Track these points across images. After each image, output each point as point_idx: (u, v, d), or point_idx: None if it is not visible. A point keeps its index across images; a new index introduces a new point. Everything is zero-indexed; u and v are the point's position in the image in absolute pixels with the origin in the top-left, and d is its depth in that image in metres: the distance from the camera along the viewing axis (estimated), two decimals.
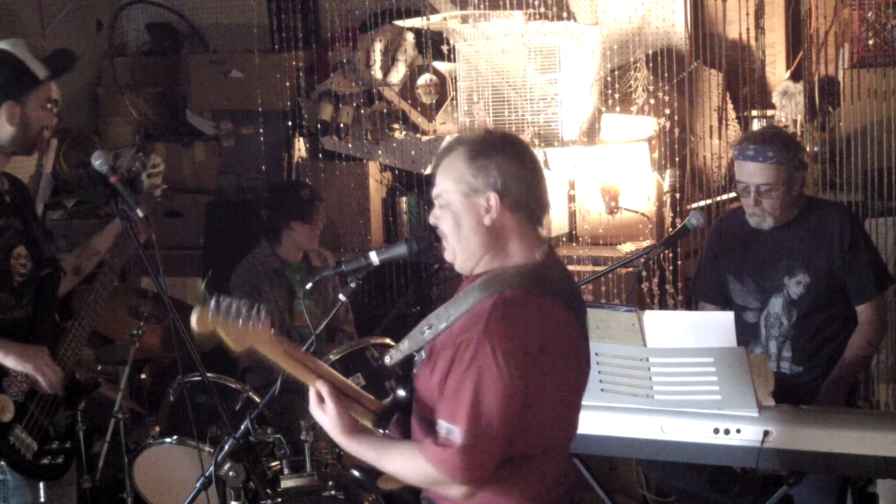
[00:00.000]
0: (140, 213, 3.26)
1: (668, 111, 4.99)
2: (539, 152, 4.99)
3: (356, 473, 2.50)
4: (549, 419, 2.41)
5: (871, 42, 4.90)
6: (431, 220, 2.49)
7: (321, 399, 2.46)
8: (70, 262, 3.58)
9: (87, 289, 3.53)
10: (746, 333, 3.81)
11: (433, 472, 2.31)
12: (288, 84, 5.65)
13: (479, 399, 2.27)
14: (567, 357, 2.42)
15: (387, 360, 2.55)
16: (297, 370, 2.46)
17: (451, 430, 2.29)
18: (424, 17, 5.40)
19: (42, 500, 3.40)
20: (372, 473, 2.47)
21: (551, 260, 2.49)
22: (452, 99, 5.37)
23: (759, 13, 5.10)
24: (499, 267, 2.42)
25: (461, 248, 2.44)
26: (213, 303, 2.34)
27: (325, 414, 2.45)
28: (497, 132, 2.51)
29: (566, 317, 2.42)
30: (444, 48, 5.46)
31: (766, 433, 3.16)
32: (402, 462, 2.38)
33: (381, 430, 2.51)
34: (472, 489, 2.32)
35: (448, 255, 2.48)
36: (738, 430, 3.20)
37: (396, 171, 5.56)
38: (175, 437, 3.98)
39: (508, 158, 2.41)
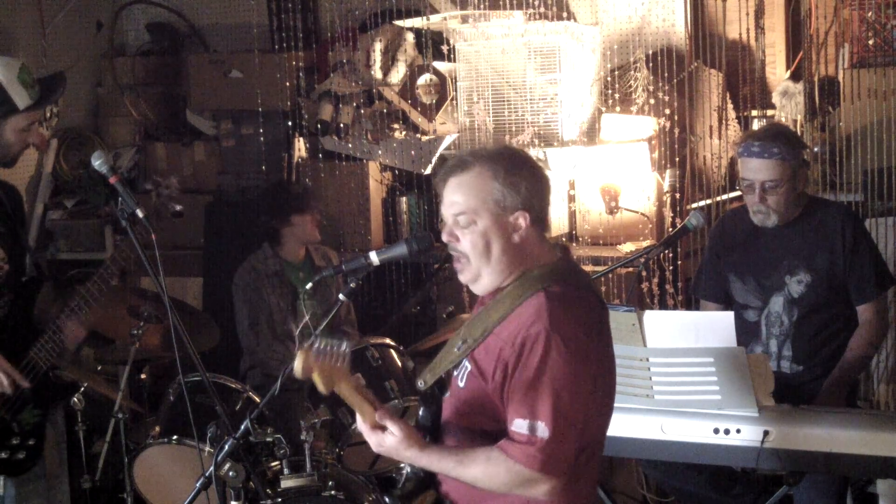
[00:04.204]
0: (140, 213, 3.25)
1: (668, 111, 4.98)
2: (539, 152, 4.99)
3: (388, 501, 2.54)
4: (603, 407, 2.47)
5: (871, 42, 4.90)
6: (445, 239, 2.48)
7: (378, 426, 2.43)
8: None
9: (74, 292, 3.52)
10: (747, 332, 3.81)
11: (523, 470, 2.31)
12: (288, 84, 5.64)
13: (558, 390, 2.31)
14: (609, 346, 2.50)
15: (419, 384, 2.55)
16: (361, 405, 2.44)
17: (535, 425, 2.31)
18: (424, 17, 5.39)
19: (1, 493, 3.41)
20: (402, 498, 2.49)
21: (569, 258, 2.55)
22: (452, 99, 5.37)
23: (759, 13, 5.10)
24: (525, 271, 2.45)
25: (490, 269, 2.45)
26: (316, 347, 2.34)
27: (392, 437, 2.42)
28: (513, 149, 2.54)
29: (601, 308, 2.49)
30: (444, 48, 5.46)
31: (765, 433, 3.16)
32: (485, 467, 2.37)
33: None
34: (560, 482, 2.34)
35: (467, 277, 2.48)
36: (738, 430, 3.20)
37: (396, 171, 5.56)
38: (175, 437, 3.98)
39: (532, 175, 2.46)
